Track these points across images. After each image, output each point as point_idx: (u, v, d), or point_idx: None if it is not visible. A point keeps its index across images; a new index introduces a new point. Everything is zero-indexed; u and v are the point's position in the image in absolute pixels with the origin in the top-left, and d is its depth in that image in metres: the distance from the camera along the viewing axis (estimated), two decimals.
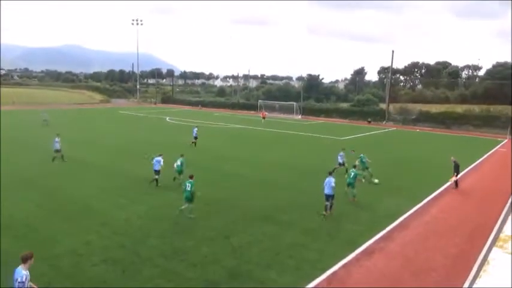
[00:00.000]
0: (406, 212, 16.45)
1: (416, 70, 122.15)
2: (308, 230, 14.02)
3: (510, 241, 3.55)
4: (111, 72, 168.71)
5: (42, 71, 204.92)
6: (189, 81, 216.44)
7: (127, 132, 39.58)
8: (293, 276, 10.59)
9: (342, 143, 38.26)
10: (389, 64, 66.19)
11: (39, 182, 19.23)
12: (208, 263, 11.21)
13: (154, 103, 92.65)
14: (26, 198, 16.41)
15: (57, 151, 23.52)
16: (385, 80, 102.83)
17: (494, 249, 3.54)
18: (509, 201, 18.09)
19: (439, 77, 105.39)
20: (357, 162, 20.60)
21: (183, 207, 14.96)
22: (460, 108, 63.69)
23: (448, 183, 21.07)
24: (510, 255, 3.37)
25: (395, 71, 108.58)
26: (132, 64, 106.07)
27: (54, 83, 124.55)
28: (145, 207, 15.91)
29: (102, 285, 9.83)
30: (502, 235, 3.88)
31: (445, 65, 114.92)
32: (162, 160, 19.15)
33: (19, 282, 7.19)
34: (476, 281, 2.95)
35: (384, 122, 60.15)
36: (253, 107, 75.41)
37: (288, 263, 11.38)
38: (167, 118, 56.20)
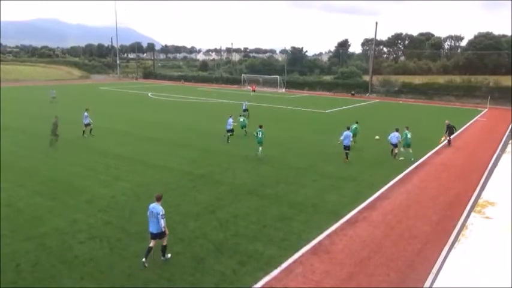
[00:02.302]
0: (389, 182, 16.85)
1: (399, 42, 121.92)
2: (294, 203, 14.23)
3: (488, 206, 3.68)
4: (89, 47, 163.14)
5: (16, 46, 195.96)
6: (171, 56, 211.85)
7: (109, 109, 38.77)
8: (279, 247, 10.82)
9: (327, 116, 38.49)
10: (373, 36, 65.93)
11: (18, 163, 18.84)
12: (196, 238, 11.32)
13: (135, 78, 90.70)
14: (6, 180, 16.08)
15: (88, 125, 24.50)
16: (368, 52, 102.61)
17: (473, 214, 3.64)
18: (488, 168, 18.67)
19: (422, 48, 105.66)
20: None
21: (258, 151, 19.82)
22: (442, 79, 64.36)
23: (439, 145, 23.99)
24: (487, 219, 3.50)
25: (379, 43, 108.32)
26: (111, 38, 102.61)
27: (30, 58, 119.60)
28: (129, 184, 15.83)
29: (90, 263, 9.86)
30: (480, 201, 3.98)
31: (428, 36, 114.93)
32: (232, 121, 23.67)
33: (162, 215, 9.55)
34: (455, 245, 3.06)
35: (367, 94, 60.50)
36: (237, 81, 74.67)
37: (275, 235, 11.59)
38: (149, 94, 55.19)
